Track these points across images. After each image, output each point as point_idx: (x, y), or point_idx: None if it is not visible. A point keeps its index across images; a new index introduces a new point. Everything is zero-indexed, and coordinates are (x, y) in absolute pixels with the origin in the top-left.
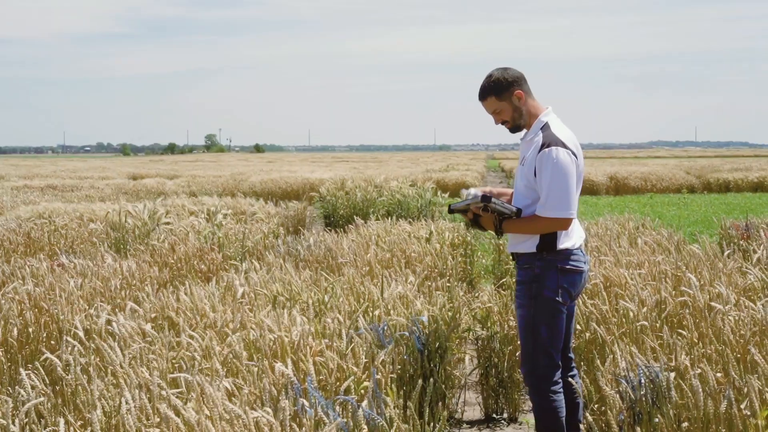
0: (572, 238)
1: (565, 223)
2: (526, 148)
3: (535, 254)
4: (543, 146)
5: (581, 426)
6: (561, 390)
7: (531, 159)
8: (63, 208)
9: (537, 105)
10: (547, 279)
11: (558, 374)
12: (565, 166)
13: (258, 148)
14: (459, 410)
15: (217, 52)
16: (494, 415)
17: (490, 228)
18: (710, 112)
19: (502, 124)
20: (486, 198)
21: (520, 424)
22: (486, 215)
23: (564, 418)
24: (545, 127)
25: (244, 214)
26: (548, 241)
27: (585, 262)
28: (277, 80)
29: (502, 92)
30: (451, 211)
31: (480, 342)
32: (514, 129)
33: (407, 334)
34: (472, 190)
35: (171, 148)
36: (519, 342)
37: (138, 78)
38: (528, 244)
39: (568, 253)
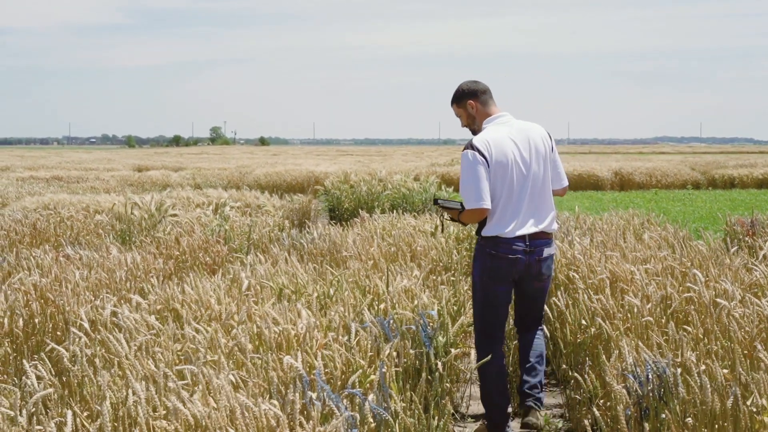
0: (499, 228)
1: (479, 211)
2: None
3: (477, 239)
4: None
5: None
6: (496, 360)
7: None
8: (68, 200)
9: (490, 112)
10: (476, 261)
11: (494, 348)
12: (467, 165)
13: (263, 141)
14: (464, 404)
15: (221, 44)
16: None
17: (457, 220)
18: (716, 108)
19: (466, 127)
20: (435, 201)
21: None
22: (450, 212)
23: (494, 385)
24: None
25: (249, 206)
26: (479, 228)
27: (527, 253)
28: (282, 73)
29: (460, 100)
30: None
31: None
32: (474, 132)
33: (413, 327)
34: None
35: (176, 141)
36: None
37: (143, 69)
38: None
39: (497, 240)
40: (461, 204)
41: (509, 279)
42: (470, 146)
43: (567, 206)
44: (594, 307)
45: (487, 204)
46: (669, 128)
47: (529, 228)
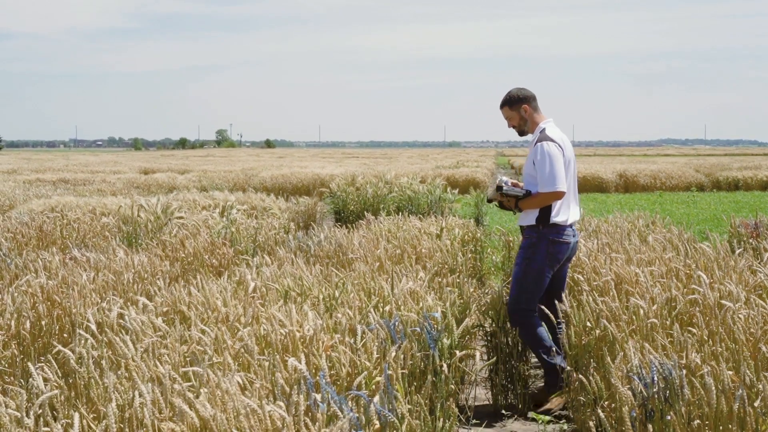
0: (564, 215)
1: (558, 194)
2: (530, 148)
3: (534, 227)
4: (537, 142)
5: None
6: (540, 323)
7: (531, 154)
8: (75, 202)
9: (540, 117)
10: (539, 248)
11: (535, 316)
12: (552, 154)
13: (269, 144)
14: (469, 406)
15: (227, 48)
16: (504, 411)
17: (512, 206)
18: (720, 110)
19: (513, 128)
20: (499, 188)
21: (529, 420)
22: (506, 199)
23: (548, 341)
24: (542, 131)
25: (255, 209)
26: (544, 216)
27: (573, 236)
28: (288, 76)
29: (514, 105)
30: (488, 201)
31: (490, 338)
32: (520, 133)
33: (418, 329)
34: (503, 177)
35: (182, 143)
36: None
37: (149, 73)
38: (530, 218)
39: (558, 228)
40: (524, 191)
41: (561, 261)
42: (549, 139)
43: None
44: (599, 308)
45: (565, 188)
46: (673, 130)
47: (574, 217)
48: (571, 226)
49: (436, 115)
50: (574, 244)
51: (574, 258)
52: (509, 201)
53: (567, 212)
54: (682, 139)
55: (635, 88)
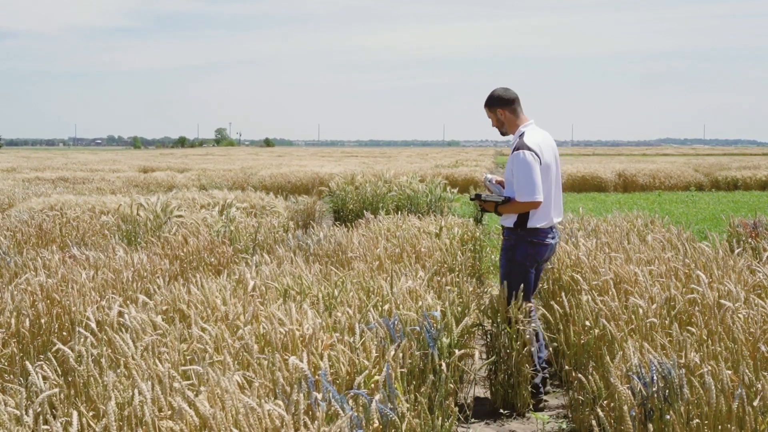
0: (542, 220)
1: (534, 204)
2: (510, 151)
3: (512, 229)
4: (514, 150)
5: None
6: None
7: (509, 161)
8: (74, 200)
9: (520, 120)
10: (518, 248)
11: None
12: (527, 163)
13: (268, 143)
14: (468, 405)
15: (227, 47)
16: (502, 410)
17: (492, 210)
18: (719, 110)
19: (494, 127)
20: (478, 196)
21: (528, 419)
22: (486, 204)
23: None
24: (521, 136)
25: (254, 207)
26: (522, 220)
27: (552, 238)
28: (287, 75)
29: (491, 106)
30: (471, 199)
31: (489, 337)
32: (501, 133)
33: (418, 328)
34: (488, 175)
35: (181, 142)
36: (526, 337)
37: (149, 72)
38: (509, 221)
39: (536, 231)
40: (502, 197)
41: (540, 261)
42: (526, 147)
43: (571, 208)
44: (598, 308)
45: (542, 198)
46: (672, 130)
47: (554, 220)
48: (551, 228)
49: (435, 114)
50: (553, 246)
51: (574, 257)
52: (488, 205)
53: (546, 217)
54: (681, 138)
55: (635, 88)
